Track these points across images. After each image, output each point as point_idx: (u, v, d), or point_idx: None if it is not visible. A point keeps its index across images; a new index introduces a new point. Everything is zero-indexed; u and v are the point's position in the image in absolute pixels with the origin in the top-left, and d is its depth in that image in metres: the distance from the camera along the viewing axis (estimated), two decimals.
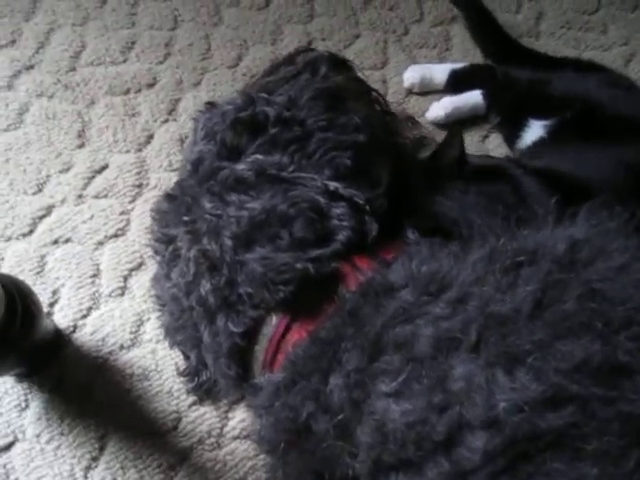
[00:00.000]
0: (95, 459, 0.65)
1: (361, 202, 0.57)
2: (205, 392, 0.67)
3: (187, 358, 0.65)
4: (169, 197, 0.60)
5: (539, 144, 0.77)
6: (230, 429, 0.67)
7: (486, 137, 0.87)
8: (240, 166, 0.57)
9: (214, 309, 0.55)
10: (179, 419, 0.67)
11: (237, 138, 0.59)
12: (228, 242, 0.53)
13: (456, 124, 0.86)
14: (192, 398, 0.68)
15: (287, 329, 0.54)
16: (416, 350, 0.45)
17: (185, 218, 0.57)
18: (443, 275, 0.49)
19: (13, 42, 0.90)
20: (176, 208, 0.59)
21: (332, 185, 0.57)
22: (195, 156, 0.60)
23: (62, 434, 0.65)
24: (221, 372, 0.58)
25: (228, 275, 0.54)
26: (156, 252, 0.62)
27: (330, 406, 0.47)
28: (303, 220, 0.54)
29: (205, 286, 0.55)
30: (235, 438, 0.67)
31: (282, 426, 0.50)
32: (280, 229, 0.54)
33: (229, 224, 0.54)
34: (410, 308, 0.48)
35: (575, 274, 0.46)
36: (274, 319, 0.54)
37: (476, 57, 0.94)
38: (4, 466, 0.64)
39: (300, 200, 0.55)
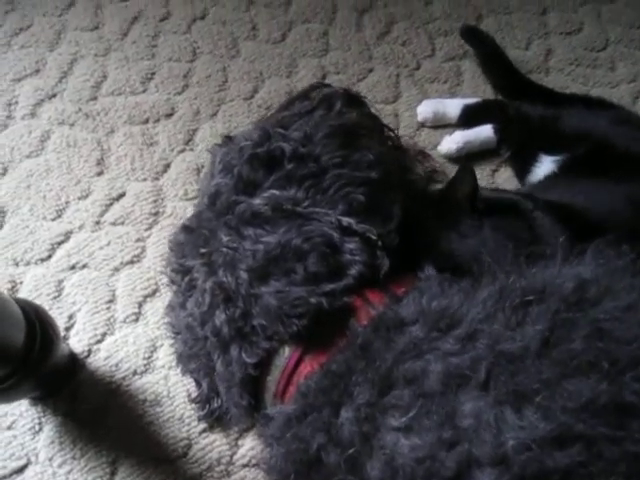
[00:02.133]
0: None
1: (373, 237, 0.59)
2: (216, 419, 0.68)
3: (199, 386, 0.66)
4: (186, 229, 0.62)
5: (550, 178, 0.78)
6: (240, 457, 0.67)
7: (496, 171, 0.89)
8: (256, 201, 0.59)
9: (228, 339, 0.56)
10: (190, 446, 0.68)
11: (254, 173, 0.61)
12: (244, 275, 0.55)
13: (467, 160, 0.88)
14: (203, 425, 0.68)
15: (299, 361, 0.55)
16: (426, 386, 0.46)
17: (202, 250, 0.58)
18: (453, 311, 0.50)
19: (37, 71, 0.94)
20: (193, 240, 0.60)
21: (345, 220, 0.59)
22: (213, 189, 0.62)
23: (74, 458, 0.66)
24: (233, 401, 0.59)
25: (243, 307, 0.55)
26: (172, 282, 0.63)
27: (341, 439, 0.48)
28: (317, 255, 0.56)
29: (220, 317, 0.56)
30: (245, 466, 0.67)
31: (293, 457, 0.51)
32: (295, 263, 0.55)
33: (245, 257, 0.56)
34: (420, 344, 0.49)
35: (583, 313, 0.47)
36: (287, 351, 0.56)
37: (487, 92, 0.96)
38: None
39: (314, 235, 0.57)
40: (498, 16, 1.05)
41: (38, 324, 0.61)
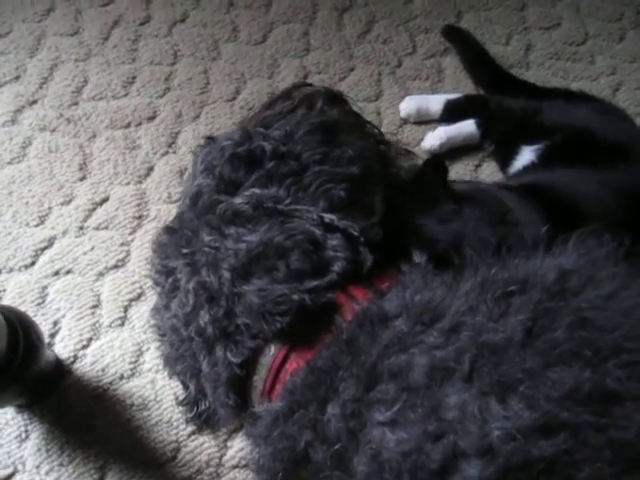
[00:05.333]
0: None
1: (355, 233, 0.59)
2: (204, 421, 0.67)
3: (186, 388, 0.66)
4: (169, 230, 0.62)
5: (529, 167, 0.79)
6: (229, 458, 0.67)
7: (479, 165, 0.89)
8: (238, 200, 0.59)
9: (213, 339, 0.56)
10: (178, 449, 0.67)
11: (235, 172, 0.61)
12: (226, 274, 0.55)
13: (451, 155, 0.88)
14: (191, 428, 0.68)
15: (285, 359, 0.55)
16: (411, 379, 0.46)
17: (184, 250, 0.58)
18: (436, 305, 0.50)
19: (17, 78, 0.93)
20: (176, 241, 0.60)
21: (327, 217, 0.58)
22: (194, 190, 0.62)
23: (62, 465, 0.66)
24: (220, 401, 0.59)
25: (226, 306, 0.55)
26: (156, 283, 0.63)
27: (327, 435, 0.48)
28: (299, 252, 0.56)
29: (204, 317, 0.56)
30: (234, 467, 0.67)
31: (281, 455, 0.51)
32: (277, 261, 0.55)
33: (227, 256, 0.56)
34: (404, 338, 0.49)
35: (565, 303, 0.47)
36: (272, 349, 0.55)
37: (467, 87, 0.97)
38: None
39: (296, 232, 0.57)
40: (478, 12, 1.06)
41: (21, 330, 0.60)
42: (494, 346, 0.45)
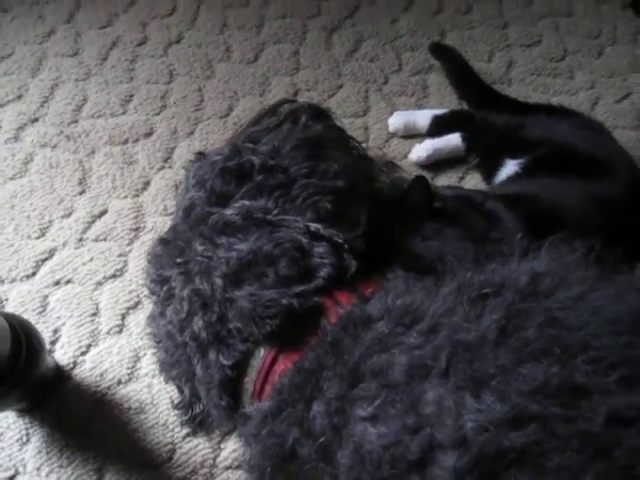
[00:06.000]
0: None
1: (340, 241, 0.62)
2: (198, 424, 0.70)
3: (181, 392, 0.69)
4: (163, 241, 0.65)
5: (513, 178, 0.83)
6: (223, 459, 0.70)
7: (463, 178, 0.93)
8: (228, 211, 0.62)
9: (206, 344, 0.59)
10: (174, 450, 0.70)
11: (225, 185, 0.64)
12: (218, 281, 0.58)
13: (437, 167, 0.92)
14: (186, 430, 0.71)
15: (274, 361, 0.58)
16: (391, 377, 0.48)
17: (178, 260, 0.61)
18: (416, 307, 0.53)
19: (20, 97, 0.97)
20: (170, 251, 0.63)
21: (313, 226, 0.62)
22: (187, 203, 0.65)
23: (61, 467, 0.68)
24: (213, 403, 0.61)
25: (219, 312, 0.58)
26: (152, 292, 0.66)
27: (313, 431, 0.50)
28: (287, 259, 0.59)
29: (198, 323, 0.59)
30: (227, 468, 0.70)
31: (269, 452, 0.53)
32: (266, 268, 0.58)
33: (219, 265, 0.59)
34: (385, 338, 0.52)
35: (537, 303, 0.49)
36: (262, 352, 0.58)
37: (452, 103, 1.01)
38: None
39: (284, 240, 0.60)
40: (461, 31, 1.11)
41: (23, 336, 0.63)
42: (468, 344, 0.47)
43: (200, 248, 0.60)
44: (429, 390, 0.46)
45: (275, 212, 0.62)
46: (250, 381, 0.59)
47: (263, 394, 0.58)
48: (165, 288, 0.63)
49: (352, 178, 0.67)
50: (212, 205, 0.63)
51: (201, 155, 0.71)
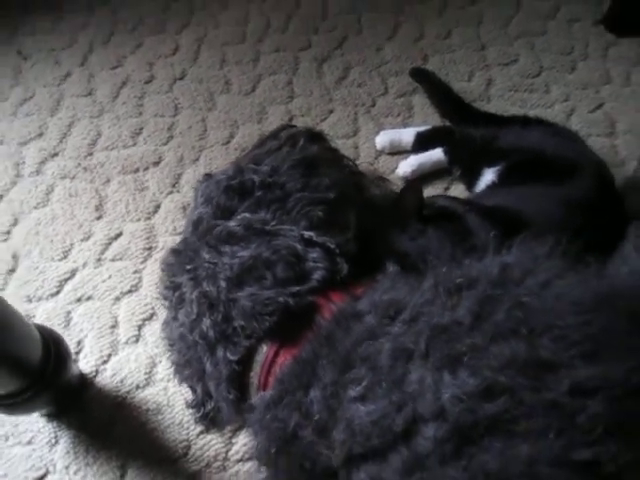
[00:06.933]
0: None
1: (332, 247, 0.69)
2: (210, 420, 0.76)
3: (194, 392, 0.75)
4: (175, 251, 0.73)
5: (490, 188, 0.89)
6: (234, 453, 0.76)
7: (447, 188, 1.00)
8: (232, 223, 0.70)
9: (214, 342, 0.66)
10: (189, 446, 0.76)
11: (229, 201, 0.72)
12: (223, 284, 0.65)
13: (422, 180, 0.99)
14: (199, 427, 0.77)
15: (276, 355, 0.64)
16: (378, 362, 0.54)
17: (188, 267, 0.69)
18: (399, 300, 0.59)
19: (40, 135, 1.07)
20: (181, 260, 0.71)
21: (307, 234, 0.69)
22: (195, 217, 0.73)
23: (88, 465, 0.74)
24: (222, 397, 0.68)
25: (224, 311, 0.65)
26: (165, 298, 0.73)
27: (311, 414, 0.56)
28: (284, 263, 0.66)
29: (206, 322, 0.66)
30: (239, 461, 0.75)
31: (273, 436, 0.59)
32: (265, 271, 0.65)
33: (224, 270, 0.66)
34: (373, 329, 0.57)
35: (506, 291, 0.55)
36: (264, 348, 0.65)
37: (435, 121, 1.09)
38: None
39: (281, 248, 0.67)
40: (442, 55, 1.19)
41: (52, 344, 0.70)
42: (444, 327, 0.52)
43: (207, 256, 0.68)
44: (412, 371, 0.51)
45: (273, 223, 0.70)
46: (255, 375, 0.66)
47: (267, 386, 0.64)
48: (177, 293, 0.70)
49: (342, 189, 0.75)
50: (217, 218, 0.71)
51: (208, 176, 0.79)
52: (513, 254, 0.61)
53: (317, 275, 0.67)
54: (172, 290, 0.71)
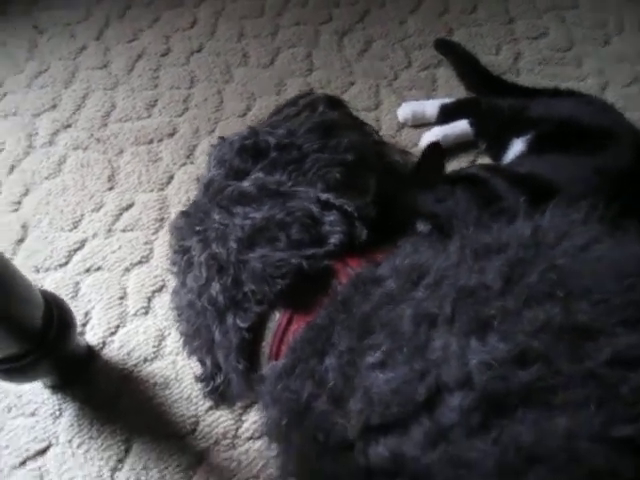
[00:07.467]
0: (121, 461, 0.70)
1: (350, 210, 0.64)
2: (220, 395, 0.72)
3: (203, 364, 0.71)
4: (184, 214, 0.69)
5: (520, 157, 0.84)
6: (244, 430, 0.72)
7: (473, 162, 0.95)
8: (245, 183, 0.66)
9: (224, 308, 0.62)
10: (197, 423, 0.72)
11: (243, 163, 0.69)
12: (233, 245, 0.61)
13: (448, 153, 0.94)
14: (209, 403, 0.73)
15: (289, 322, 0.60)
16: (399, 328, 0.50)
17: (197, 228, 0.65)
18: (422, 264, 0.55)
19: (54, 106, 1.05)
20: (190, 222, 0.67)
21: (324, 196, 0.65)
22: (207, 180, 0.70)
23: (92, 438, 0.71)
24: (232, 367, 0.64)
25: (234, 274, 0.61)
26: (173, 263, 0.70)
27: (325, 382, 0.52)
28: (299, 225, 0.62)
29: (215, 287, 0.62)
30: (249, 439, 0.71)
31: (285, 407, 0.55)
32: (278, 233, 0.61)
33: (234, 231, 0.62)
34: (394, 294, 0.53)
35: (539, 253, 0.51)
36: (277, 315, 0.61)
37: (460, 94, 1.04)
38: (39, 468, 0.70)
39: (296, 209, 0.63)
40: (468, 28, 1.15)
41: (56, 309, 0.68)
42: (471, 290, 0.48)
43: (217, 217, 0.64)
44: (436, 338, 0.47)
45: (288, 184, 0.66)
46: (267, 344, 0.61)
47: (279, 355, 0.60)
48: (186, 257, 0.67)
49: (361, 151, 0.71)
50: (230, 179, 0.67)
51: (222, 139, 0.76)
52: (546, 218, 0.57)
53: (334, 239, 0.62)
54: (181, 254, 0.68)
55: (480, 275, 0.50)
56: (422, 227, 0.64)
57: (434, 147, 0.71)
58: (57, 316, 0.67)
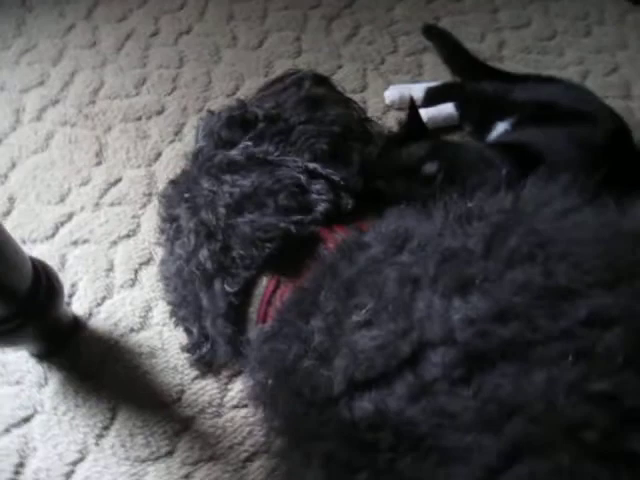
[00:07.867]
0: (106, 428, 0.70)
1: (337, 179, 0.66)
2: (206, 364, 0.74)
3: (190, 334, 0.72)
4: (173, 182, 0.70)
5: (504, 135, 0.86)
6: (229, 399, 0.72)
7: None
8: (233, 152, 0.67)
9: (212, 273, 0.63)
10: (183, 391, 0.73)
11: (231, 133, 0.70)
12: (222, 210, 0.62)
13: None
14: (195, 372, 0.74)
15: (276, 288, 0.61)
16: (384, 290, 0.51)
17: (186, 196, 0.66)
18: (407, 229, 0.57)
19: (42, 83, 1.05)
20: (179, 190, 0.68)
21: (311, 165, 0.66)
22: (196, 149, 0.71)
23: (77, 406, 0.71)
24: (219, 332, 0.65)
25: (222, 240, 0.62)
26: (162, 231, 0.71)
27: (311, 342, 0.53)
28: (287, 193, 0.63)
29: (203, 253, 0.63)
30: (234, 407, 0.72)
31: (271, 368, 0.56)
32: (267, 199, 0.63)
33: (223, 197, 0.63)
34: (379, 258, 0.55)
35: (520, 220, 0.53)
36: (264, 280, 0.62)
37: (445, 79, 1.06)
38: (24, 435, 0.70)
39: (284, 177, 0.64)
40: (454, 17, 1.17)
41: (44, 274, 0.68)
42: (455, 251, 0.50)
43: (206, 184, 0.65)
44: (420, 298, 0.49)
45: (276, 154, 0.67)
46: (254, 311, 0.63)
47: (267, 319, 0.62)
48: (174, 225, 0.67)
49: (348, 124, 0.72)
50: (218, 149, 0.68)
51: (210, 112, 0.77)
52: (527, 189, 0.59)
53: (321, 207, 0.64)
54: (169, 222, 0.69)
55: (463, 239, 0.52)
56: (431, 168, 0.65)
57: (412, 112, 0.74)
58: (45, 281, 0.67)
